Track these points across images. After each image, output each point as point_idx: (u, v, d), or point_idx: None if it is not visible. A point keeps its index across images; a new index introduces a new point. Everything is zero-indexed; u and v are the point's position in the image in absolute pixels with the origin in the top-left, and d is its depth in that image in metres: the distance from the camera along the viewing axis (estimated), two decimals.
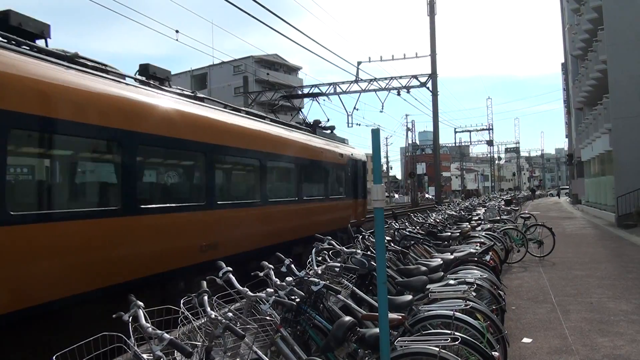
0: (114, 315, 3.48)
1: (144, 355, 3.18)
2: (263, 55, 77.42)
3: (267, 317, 4.19)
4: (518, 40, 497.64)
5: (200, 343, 3.55)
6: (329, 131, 19.58)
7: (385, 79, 35.41)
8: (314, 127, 18.35)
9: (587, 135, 35.84)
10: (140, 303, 3.46)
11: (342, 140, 20.30)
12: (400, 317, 4.36)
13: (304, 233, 13.37)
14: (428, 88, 36.15)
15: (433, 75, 36.76)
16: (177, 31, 24.50)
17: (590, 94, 34.00)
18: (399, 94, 35.78)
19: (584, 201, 41.89)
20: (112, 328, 3.33)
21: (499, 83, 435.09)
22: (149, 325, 3.29)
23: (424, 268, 6.46)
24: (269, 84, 60.88)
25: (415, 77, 35.08)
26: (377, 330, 3.92)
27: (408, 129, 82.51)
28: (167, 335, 3.16)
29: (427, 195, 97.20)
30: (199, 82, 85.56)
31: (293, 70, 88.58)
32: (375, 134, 3.38)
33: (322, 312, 4.78)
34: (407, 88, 35.28)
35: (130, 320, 3.37)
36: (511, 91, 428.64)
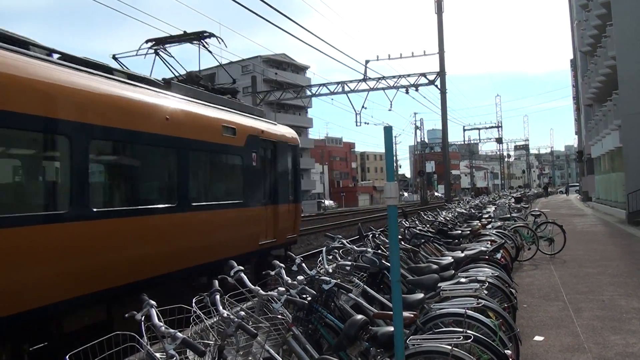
0: (126, 315, 3.50)
1: (157, 354, 3.19)
2: (271, 55, 77.67)
3: (279, 316, 4.19)
4: (526, 37, 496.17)
5: (212, 342, 3.55)
6: (227, 96, 12.65)
7: (394, 77, 35.48)
8: (170, 79, 10.58)
9: (597, 132, 35.66)
10: (153, 302, 3.47)
11: (251, 112, 12.81)
12: (412, 316, 4.35)
13: (114, 280, 7.62)
14: (436, 86, 36.13)
15: (441, 73, 36.66)
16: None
17: (600, 91, 33.83)
18: (407, 92, 35.87)
19: (594, 198, 41.68)
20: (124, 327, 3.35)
21: (508, 80, 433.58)
22: (161, 324, 3.30)
23: (435, 266, 6.44)
24: (277, 84, 60.98)
25: (424, 75, 35.13)
26: (389, 328, 3.91)
27: (417, 128, 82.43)
28: (180, 334, 3.17)
29: (436, 194, 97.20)
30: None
31: (301, 69, 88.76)
32: (388, 131, 3.35)
33: (333, 311, 4.78)
34: (416, 86, 35.33)
35: (142, 319, 3.38)
36: (520, 88, 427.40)
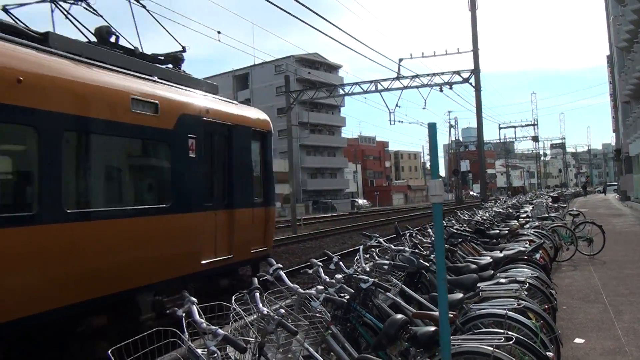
0: (167, 311, 3.55)
1: (198, 350, 3.23)
2: (304, 55, 77.98)
3: (317, 314, 4.19)
4: (561, 33, 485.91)
5: (252, 339, 3.58)
6: (165, 65, 9.79)
7: (427, 75, 35.22)
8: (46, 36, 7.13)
9: (635, 129, 34.84)
10: (194, 299, 3.52)
11: (197, 86, 9.85)
12: (452, 316, 4.32)
13: None
14: (471, 84, 35.73)
15: (476, 71, 36.23)
16: (218, 32, 24.90)
17: (637, 87, 33.06)
18: (441, 91, 35.52)
19: (632, 198, 40.70)
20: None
21: (543, 77, 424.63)
22: (202, 320, 3.34)
23: (473, 266, 6.38)
24: (310, 83, 61.16)
25: (458, 73, 34.77)
26: (429, 328, 3.89)
27: (451, 126, 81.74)
28: (221, 331, 3.21)
29: (471, 193, 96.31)
30: (241, 82, 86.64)
31: (333, 68, 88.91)
32: (432, 128, 3.32)
33: (371, 310, 4.78)
34: (450, 84, 35.02)
35: (183, 315, 3.43)
36: (556, 85, 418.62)
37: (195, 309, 3.42)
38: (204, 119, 9.06)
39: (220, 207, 9.53)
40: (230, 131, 9.87)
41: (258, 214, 10.72)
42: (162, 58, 9.87)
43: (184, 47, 10.36)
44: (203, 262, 8.80)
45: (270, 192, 11.42)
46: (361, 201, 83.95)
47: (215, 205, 9.35)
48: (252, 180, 10.64)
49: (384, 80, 36.35)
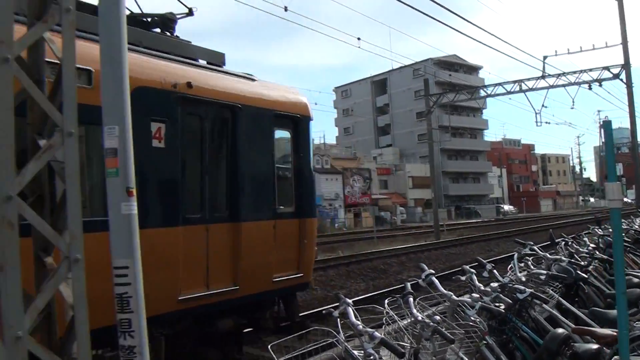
0: (323, 311, 3.68)
1: (355, 352, 3.30)
2: (442, 57, 76.96)
3: (472, 323, 4.12)
4: None
5: (408, 344, 3.60)
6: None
7: (574, 72, 33.30)
8: None
9: None
10: (349, 301, 3.62)
11: (190, 54, 7.53)
12: (614, 334, 4.06)
13: None
14: (622, 80, 33.25)
15: (626, 66, 33.60)
16: (358, 38, 25.26)
17: None
18: (590, 88, 33.48)
19: None
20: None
21: None
22: (359, 322, 3.42)
23: (635, 280, 5.94)
24: (450, 86, 60.08)
25: (607, 68, 32.58)
26: (592, 346, 3.73)
27: (601, 127, 76.47)
28: (378, 334, 3.27)
29: (625, 199, 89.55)
30: (379, 87, 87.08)
31: (474, 69, 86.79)
32: (607, 126, 3.13)
33: (526, 322, 4.60)
34: (599, 81, 32.88)
35: (339, 316, 3.54)
36: None
37: (351, 310, 3.52)
38: (184, 95, 6.67)
39: (218, 220, 7.17)
40: (235, 114, 7.39)
41: (285, 228, 8.07)
42: (149, 20, 7.84)
43: (190, 9, 8.18)
44: (181, 297, 6.44)
45: (306, 198, 8.64)
46: (507, 207, 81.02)
47: (206, 217, 7.01)
48: (274, 182, 8.04)
49: (528, 79, 34.94)
